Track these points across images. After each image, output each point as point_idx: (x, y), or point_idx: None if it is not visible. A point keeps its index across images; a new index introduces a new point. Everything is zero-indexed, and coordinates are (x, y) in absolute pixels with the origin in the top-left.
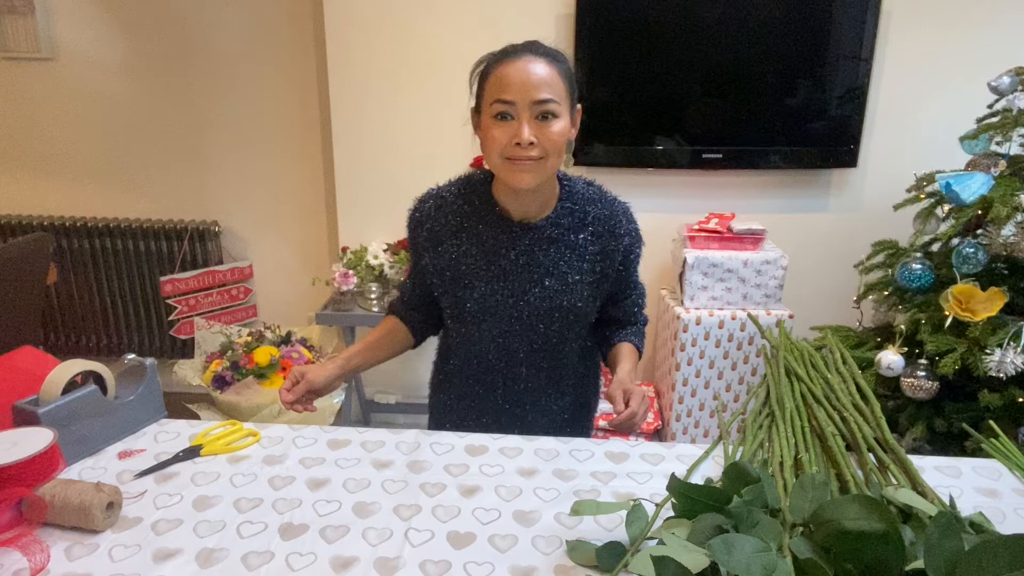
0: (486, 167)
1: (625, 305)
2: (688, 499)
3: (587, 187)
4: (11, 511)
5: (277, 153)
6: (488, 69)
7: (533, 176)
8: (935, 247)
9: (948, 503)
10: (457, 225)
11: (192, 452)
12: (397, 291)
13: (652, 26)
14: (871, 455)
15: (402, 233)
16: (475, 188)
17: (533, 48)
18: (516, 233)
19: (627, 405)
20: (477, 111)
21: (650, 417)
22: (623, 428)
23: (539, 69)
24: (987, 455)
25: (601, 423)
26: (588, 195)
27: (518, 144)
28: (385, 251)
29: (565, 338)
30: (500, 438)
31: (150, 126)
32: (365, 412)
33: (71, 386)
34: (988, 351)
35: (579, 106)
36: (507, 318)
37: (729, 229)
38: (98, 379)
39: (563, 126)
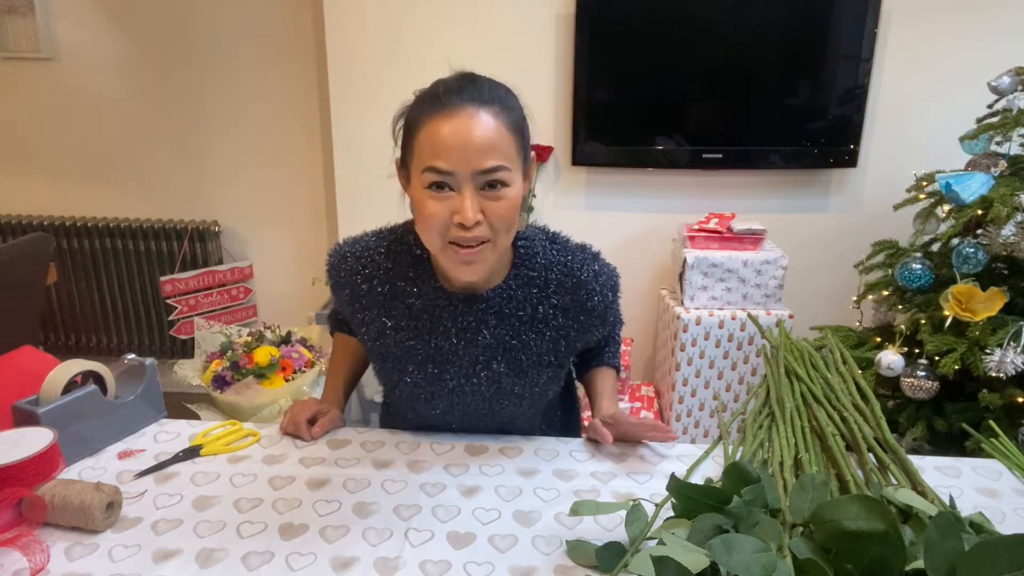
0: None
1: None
2: (688, 499)
3: (548, 246)
4: (11, 511)
5: (277, 153)
6: (417, 121)
7: (478, 268)
8: (935, 247)
9: (948, 503)
10: (385, 293)
11: (192, 452)
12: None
13: (652, 26)
14: (871, 455)
15: None
16: (407, 247)
17: (474, 93)
18: (457, 307)
19: (614, 438)
20: (404, 165)
21: (650, 416)
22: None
23: (484, 126)
24: (987, 455)
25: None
26: (549, 258)
27: (461, 224)
28: None
29: (520, 416)
30: (500, 438)
31: (150, 126)
32: (365, 412)
33: (71, 386)
34: (988, 351)
35: (533, 155)
36: (447, 403)
37: (729, 229)
38: (98, 379)
39: (515, 195)
